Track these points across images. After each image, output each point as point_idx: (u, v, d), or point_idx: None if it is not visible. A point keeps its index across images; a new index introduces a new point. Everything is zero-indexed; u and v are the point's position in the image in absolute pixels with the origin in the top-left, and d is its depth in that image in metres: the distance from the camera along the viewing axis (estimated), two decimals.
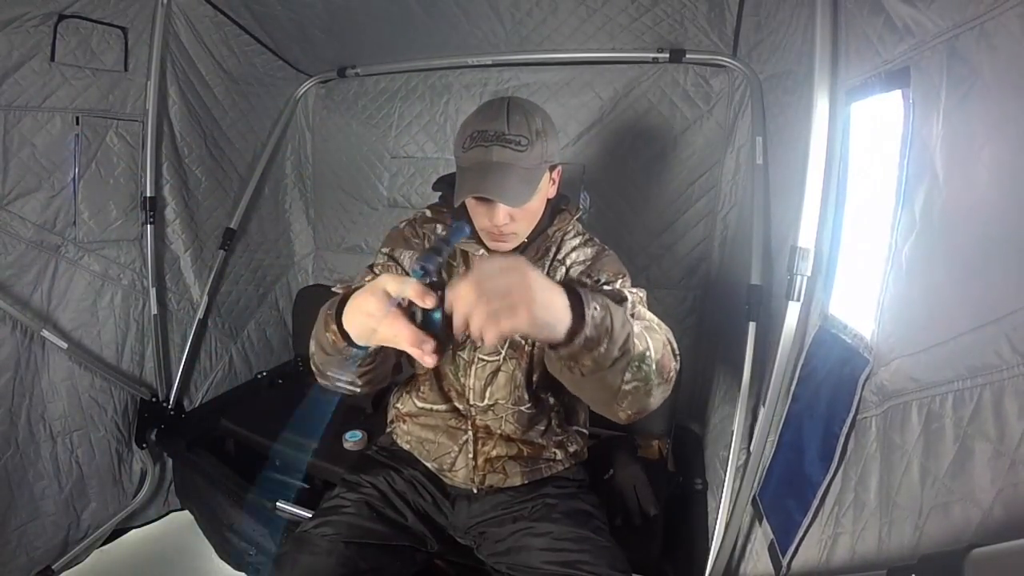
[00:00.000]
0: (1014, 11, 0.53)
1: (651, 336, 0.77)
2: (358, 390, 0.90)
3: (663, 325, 0.86)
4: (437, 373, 1.12)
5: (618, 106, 1.74)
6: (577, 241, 1.09)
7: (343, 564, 0.98)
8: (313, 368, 0.89)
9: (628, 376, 0.73)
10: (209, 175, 1.91)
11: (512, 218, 0.96)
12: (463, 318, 0.59)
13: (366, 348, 0.74)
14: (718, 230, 1.73)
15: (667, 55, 1.60)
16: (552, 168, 1.01)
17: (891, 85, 0.77)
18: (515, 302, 0.59)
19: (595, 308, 0.65)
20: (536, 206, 1.00)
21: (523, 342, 1.07)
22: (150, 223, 1.71)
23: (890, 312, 0.73)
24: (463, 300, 0.59)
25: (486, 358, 1.08)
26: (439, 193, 1.14)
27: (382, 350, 0.74)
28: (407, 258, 1.07)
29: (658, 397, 0.80)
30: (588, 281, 1.01)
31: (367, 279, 1.03)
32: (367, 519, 1.06)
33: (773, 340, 1.14)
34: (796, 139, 1.10)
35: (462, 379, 1.10)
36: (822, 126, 0.93)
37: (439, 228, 1.10)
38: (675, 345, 0.84)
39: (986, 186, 0.57)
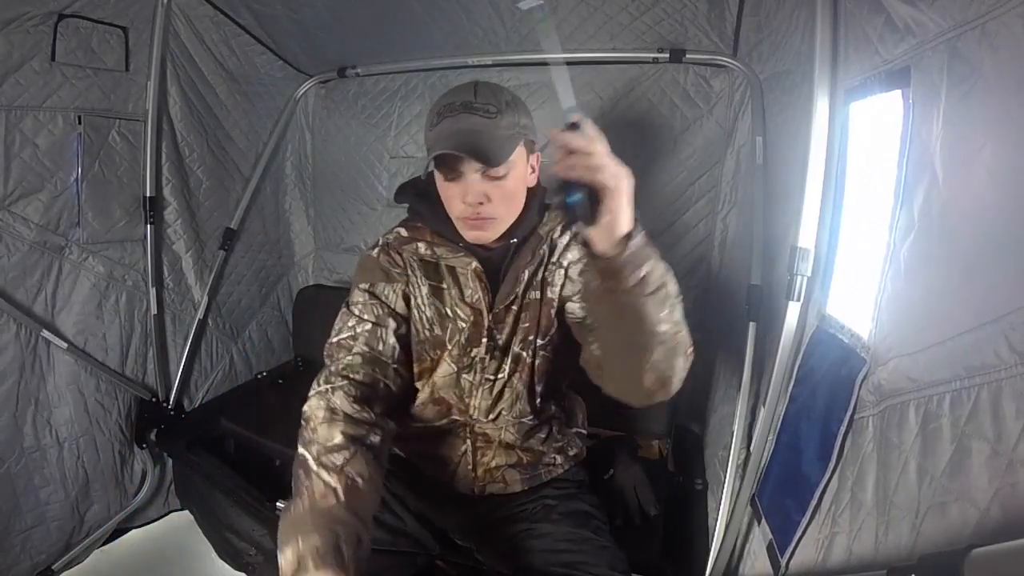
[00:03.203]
0: (1016, 11, 0.53)
1: (670, 293, 0.74)
2: None
3: None
4: (436, 398, 1.06)
5: (618, 106, 1.74)
6: (567, 238, 1.01)
7: None
8: None
9: (665, 314, 0.70)
10: (210, 175, 1.91)
11: (488, 198, 0.88)
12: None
13: None
14: (718, 230, 1.73)
15: (667, 55, 1.59)
16: (530, 151, 0.95)
17: (891, 85, 0.76)
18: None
19: (640, 229, 0.67)
20: (512, 186, 0.91)
21: (525, 355, 1.02)
22: (150, 223, 1.71)
23: (888, 312, 0.73)
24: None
25: (492, 377, 1.02)
26: (406, 205, 1.05)
27: None
28: (391, 292, 0.99)
29: (680, 369, 0.78)
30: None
31: (350, 323, 0.97)
32: None
33: (773, 340, 1.14)
34: (796, 139, 1.10)
35: (467, 399, 1.04)
36: (822, 126, 0.93)
37: (421, 246, 1.00)
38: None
39: (986, 186, 0.57)
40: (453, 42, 1.76)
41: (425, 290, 1.00)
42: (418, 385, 1.05)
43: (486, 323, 0.99)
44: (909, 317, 0.68)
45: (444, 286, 1.00)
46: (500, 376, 1.02)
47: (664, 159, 1.72)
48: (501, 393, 1.04)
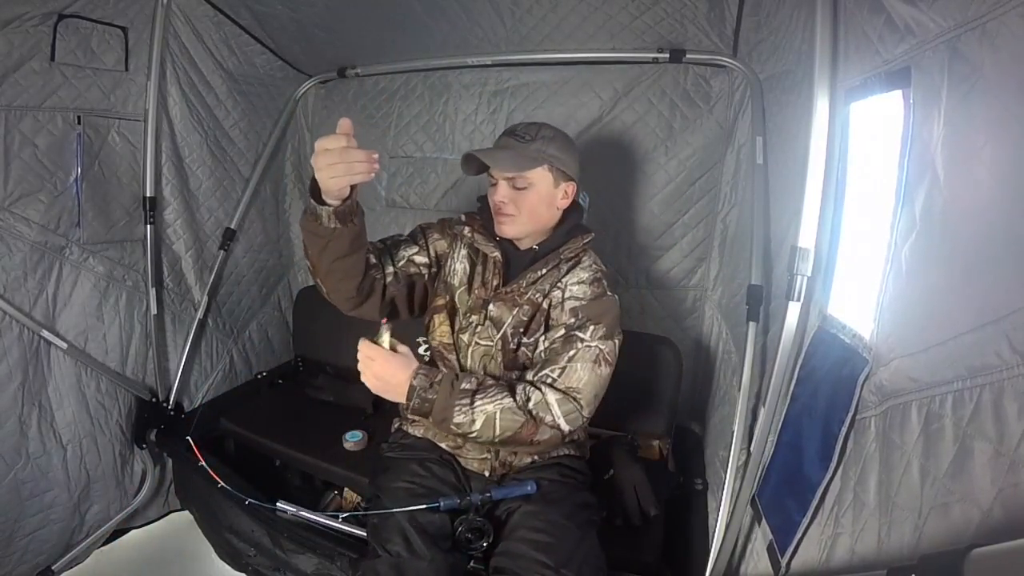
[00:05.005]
0: (1016, 11, 0.53)
1: (495, 419, 1.00)
2: (354, 286, 1.08)
3: (573, 398, 1.03)
4: (456, 344, 1.22)
5: (618, 106, 1.74)
6: (586, 276, 1.16)
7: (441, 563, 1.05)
8: (315, 282, 1.11)
9: (459, 437, 1.06)
10: (210, 175, 1.90)
11: (510, 201, 1.12)
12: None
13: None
14: (718, 230, 1.73)
15: (667, 55, 1.60)
16: (564, 179, 1.15)
17: (891, 85, 0.76)
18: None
19: (422, 393, 1.01)
20: (532, 199, 1.12)
21: (511, 340, 1.16)
22: (150, 223, 1.71)
23: (890, 312, 0.73)
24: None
25: (481, 342, 1.18)
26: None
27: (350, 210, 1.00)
28: (435, 236, 1.24)
29: (532, 450, 1.14)
30: (572, 320, 1.11)
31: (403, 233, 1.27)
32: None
33: (773, 340, 1.14)
34: (796, 139, 1.10)
35: (463, 360, 1.20)
36: (822, 126, 0.92)
37: (467, 230, 1.24)
38: (561, 418, 1.01)
39: (987, 186, 0.57)
40: (453, 42, 1.76)
41: (463, 252, 1.24)
42: (435, 319, 1.24)
43: (488, 297, 1.19)
44: (911, 317, 0.68)
45: (476, 261, 1.23)
46: (488, 344, 1.18)
47: (664, 159, 1.72)
48: (491, 360, 1.18)
